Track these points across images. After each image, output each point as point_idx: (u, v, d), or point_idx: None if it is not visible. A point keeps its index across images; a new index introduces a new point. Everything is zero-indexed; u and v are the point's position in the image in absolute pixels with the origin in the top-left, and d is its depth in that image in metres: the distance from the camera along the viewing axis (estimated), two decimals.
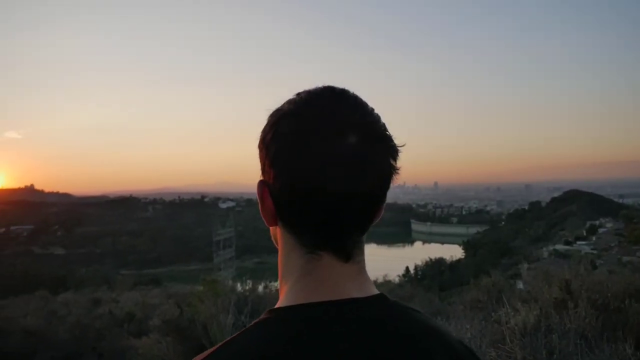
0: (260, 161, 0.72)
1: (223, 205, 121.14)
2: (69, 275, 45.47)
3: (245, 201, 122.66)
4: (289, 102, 0.72)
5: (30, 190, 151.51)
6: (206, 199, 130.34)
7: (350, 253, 0.71)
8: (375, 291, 0.73)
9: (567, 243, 51.65)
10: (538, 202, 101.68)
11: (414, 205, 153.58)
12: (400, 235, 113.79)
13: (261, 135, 0.72)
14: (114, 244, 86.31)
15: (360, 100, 0.73)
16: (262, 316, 0.69)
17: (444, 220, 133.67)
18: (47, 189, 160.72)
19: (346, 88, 0.74)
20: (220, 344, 0.67)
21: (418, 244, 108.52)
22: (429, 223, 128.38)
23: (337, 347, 0.63)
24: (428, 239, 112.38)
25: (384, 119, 0.71)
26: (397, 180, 0.73)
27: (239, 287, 11.67)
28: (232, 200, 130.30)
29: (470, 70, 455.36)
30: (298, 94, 0.72)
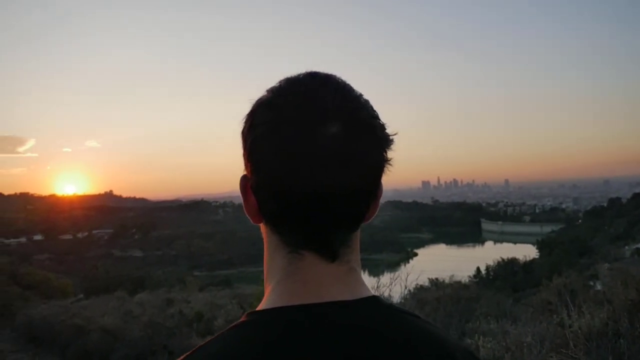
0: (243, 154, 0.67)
1: None
2: (146, 277, 47.56)
3: None
4: (268, 90, 0.66)
5: (109, 195, 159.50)
6: None
7: (337, 252, 0.65)
8: (367, 293, 0.66)
9: None
10: (618, 199, 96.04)
11: (483, 204, 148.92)
12: (470, 235, 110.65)
13: (242, 126, 0.66)
14: (187, 246, 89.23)
15: (344, 85, 0.66)
16: (241, 319, 0.64)
17: (515, 219, 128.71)
18: (124, 195, 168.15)
19: (333, 73, 0.67)
20: (194, 348, 0.62)
21: (489, 243, 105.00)
22: (500, 222, 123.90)
23: (317, 354, 0.58)
24: (499, 238, 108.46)
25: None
26: (390, 173, 0.67)
27: None
28: None
29: (532, 66, 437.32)
30: (279, 81, 0.66)
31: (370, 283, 7.99)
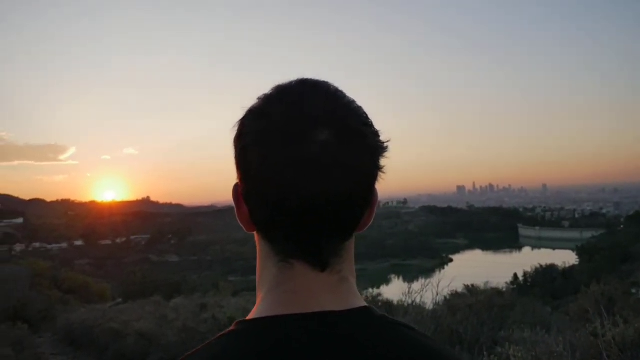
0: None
1: None
2: (182, 282, 48.32)
3: None
4: (259, 97, 0.65)
5: (146, 202, 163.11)
6: None
7: (327, 262, 0.64)
8: (358, 304, 0.65)
9: None
10: None
11: (520, 209, 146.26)
12: (507, 240, 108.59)
13: (233, 133, 0.66)
14: (222, 251, 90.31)
15: (335, 92, 0.65)
16: (230, 328, 0.63)
17: (554, 224, 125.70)
18: (161, 201, 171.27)
19: (325, 80, 0.67)
20: (182, 357, 0.62)
21: (526, 249, 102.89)
22: (537, 227, 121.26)
23: None
24: (537, 244, 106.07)
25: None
26: (384, 181, 0.65)
27: None
28: None
29: (569, 66, 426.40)
30: (270, 89, 0.66)
31: (402, 289, 7.91)
